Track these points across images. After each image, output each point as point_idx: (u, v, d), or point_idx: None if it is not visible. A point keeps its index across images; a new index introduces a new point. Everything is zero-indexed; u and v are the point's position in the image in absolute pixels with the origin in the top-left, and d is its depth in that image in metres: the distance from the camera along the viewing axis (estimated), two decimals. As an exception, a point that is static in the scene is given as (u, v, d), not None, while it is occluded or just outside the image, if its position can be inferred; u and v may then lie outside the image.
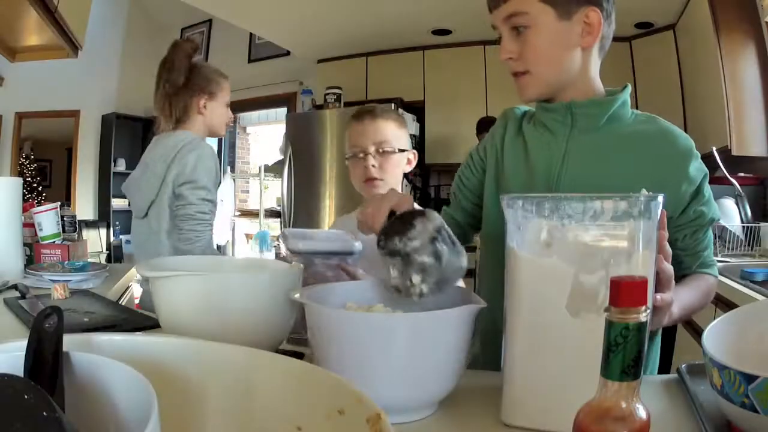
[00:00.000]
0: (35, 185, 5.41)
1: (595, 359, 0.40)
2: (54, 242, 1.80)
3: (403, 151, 1.38)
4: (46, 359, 0.40)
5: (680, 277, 0.91)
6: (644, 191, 0.62)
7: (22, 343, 0.41)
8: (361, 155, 1.35)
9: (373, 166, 1.34)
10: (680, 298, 0.79)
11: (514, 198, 0.64)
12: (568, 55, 0.89)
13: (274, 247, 1.15)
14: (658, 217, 0.61)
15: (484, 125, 3.67)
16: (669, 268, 0.69)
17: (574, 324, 0.60)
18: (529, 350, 0.63)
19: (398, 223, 0.72)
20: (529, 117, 1.02)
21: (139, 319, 1.06)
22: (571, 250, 0.61)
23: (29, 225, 1.79)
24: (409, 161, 1.42)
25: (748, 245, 2.30)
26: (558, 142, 0.93)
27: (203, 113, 1.75)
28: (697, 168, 0.89)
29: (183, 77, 1.71)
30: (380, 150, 1.34)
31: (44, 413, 0.33)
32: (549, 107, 0.95)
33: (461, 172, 1.12)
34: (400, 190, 1.34)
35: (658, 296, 0.68)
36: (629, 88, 0.94)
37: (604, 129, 0.91)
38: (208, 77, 1.76)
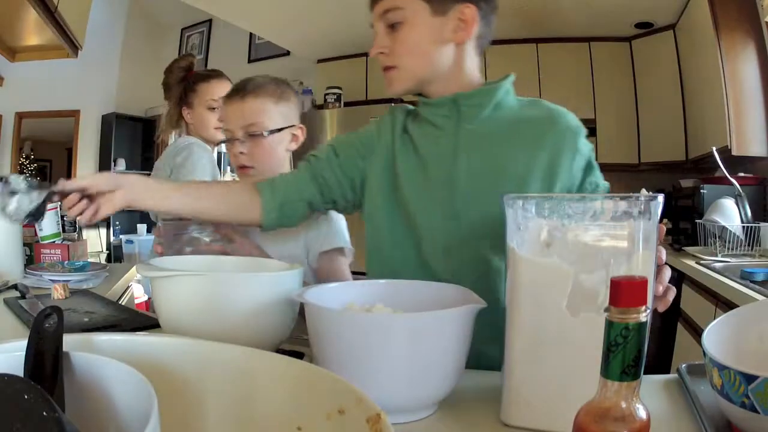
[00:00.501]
0: (35, 185, 5.40)
1: (595, 359, 0.40)
2: (54, 242, 1.80)
3: (278, 130, 1.21)
4: (46, 359, 0.40)
5: None
6: (644, 191, 0.62)
7: (22, 343, 0.41)
8: (231, 140, 1.21)
9: (242, 153, 1.20)
10: None
11: (514, 198, 0.64)
12: (439, 49, 0.89)
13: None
14: (658, 217, 0.61)
15: None
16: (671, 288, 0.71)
17: (574, 324, 0.60)
18: (529, 350, 0.63)
19: None
20: (414, 115, 1.00)
21: (139, 319, 1.06)
22: (571, 250, 0.61)
23: (29, 225, 1.79)
24: (295, 138, 1.26)
25: (748, 245, 2.30)
26: (446, 135, 0.93)
27: (189, 122, 1.82)
28: (584, 143, 0.92)
29: (176, 97, 1.82)
30: (249, 134, 1.19)
31: (44, 413, 0.32)
32: (432, 102, 0.94)
33: (336, 151, 0.99)
34: (281, 169, 1.22)
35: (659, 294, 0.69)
36: (512, 77, 0.95)
37: (492, 118, 0.92)
38: (192, 88, 1.81)
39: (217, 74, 1.85)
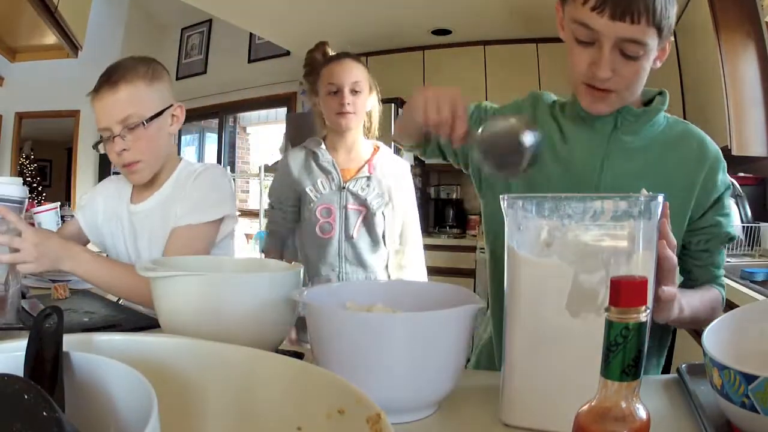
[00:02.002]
0: (35, 185, 5.42)
1: (595, 359, 0.40)
2: (54, 242, 1.80)
3: (156, 116, 1.12)
4: (46, 359, 0.40)
5: (687, 287, 0.92)
6: (644, 191, 0.62)
7: (22, 343, 0.41)
8: (110, 137, 1.12)
9: (125, 150, 1.10)
10: (688, 299, 0.79)
11: (514, 198, 0.64)
12: (646, 79, 0.90)
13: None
14: (658, 217, 0.61)
15: None
16: (672, 256, 0.68)
17: (574, 324, 0.60)
18: (529, 350, 0.63)
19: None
20: (560, 106, 1.00)
21: (139, 319, 1.06)
22: (571, 250, 0.61)
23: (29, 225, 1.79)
24: (175, 118, 1.17)
25: (748, 245, 2.30)
26: (600, 139, 0.93)
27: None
28: (722, 179, 0.92)
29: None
30: (128, 127, 1.10)
31: (44, 413, 0.33)
32: None
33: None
34: (168, 155, 1.19)
35: (665, 288, 0.68)
36: (667, 99, 0.96)
37: (644, 131, 0.93)
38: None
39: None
